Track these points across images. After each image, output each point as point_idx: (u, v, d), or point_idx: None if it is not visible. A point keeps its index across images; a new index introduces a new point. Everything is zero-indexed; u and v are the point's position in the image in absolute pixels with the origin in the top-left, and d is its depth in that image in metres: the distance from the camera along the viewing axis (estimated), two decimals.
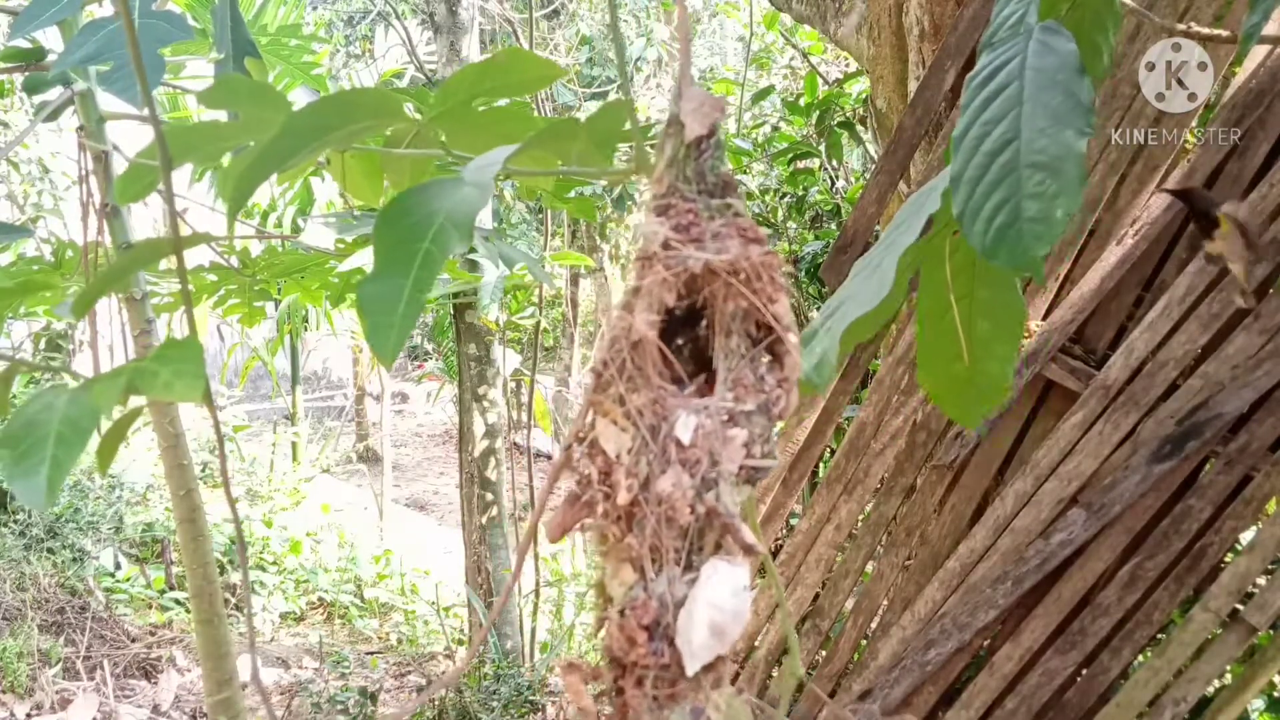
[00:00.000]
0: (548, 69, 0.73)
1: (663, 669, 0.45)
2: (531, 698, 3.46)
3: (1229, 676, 1.99)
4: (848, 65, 4.30)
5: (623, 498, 0.46)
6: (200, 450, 5.66)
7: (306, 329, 6.16)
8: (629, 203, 4.21)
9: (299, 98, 1.90)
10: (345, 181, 0.95)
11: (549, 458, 7.65)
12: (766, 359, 0.50)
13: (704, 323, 0.51)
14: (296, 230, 4.63)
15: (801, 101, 3.77)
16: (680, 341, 0.51)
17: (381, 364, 0.47)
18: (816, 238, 3.68)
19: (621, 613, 0.46)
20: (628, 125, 0.61)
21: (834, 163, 3.68)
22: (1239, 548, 1.87)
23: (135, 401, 0.63)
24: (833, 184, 3.78)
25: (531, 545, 4.29)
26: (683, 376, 0.49)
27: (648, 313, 0.47)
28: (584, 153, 0.64)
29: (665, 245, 0.48)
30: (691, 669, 0.44)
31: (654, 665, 0.45)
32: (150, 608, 4.54)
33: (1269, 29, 1.61)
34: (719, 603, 0.45)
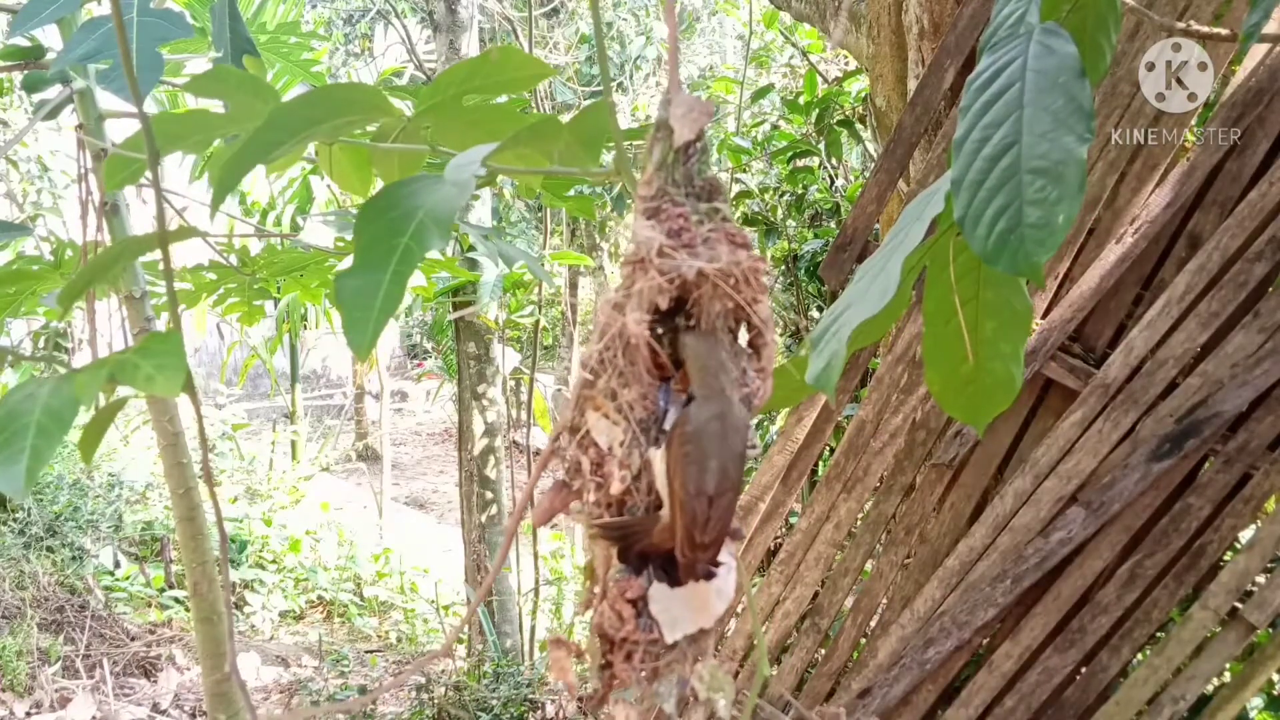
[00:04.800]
0: (538, 68, 0.73)
1: (651, 644, 0.47)
2: (531, 696, 3.46)
3: (1228, 674, 1.99)
4: (847, 63, 4.30)
5: (616, 488, 0.48)
6: (199, 449, 5.65)
7: (306, 327, 6.16)
8: (629, 202, 4.21)
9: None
10: (334, 173, 0.96)
11: None
12: (747, 353, 0.52)
13: (681, 315, 0.53)
14: (296, 228, 4.63)
15: (801, 100, 3.76)
16: (660, 331, 0.53)
17: (357, 356, 0.48)
18: (816, 236, 3.68)
19: (607, 590, 0.48)
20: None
21: (833, 161, 3.68)
22: (1238, 546, 1.87)
23: (123, 392, 0.63)
24: (832, 182, 3.78)
25: (532, 543, 4.29)
26: (671, 372, 0.51)
27: (639, 312, 0.49)
28: (567, 152, 0.64)
29: (660, 252, 0.49)
30: (670, 637, 0.47)
31: (643, 640, 0.47)
32: (149, 606, 4.54)
33: (1269, 28, 1.61)
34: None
